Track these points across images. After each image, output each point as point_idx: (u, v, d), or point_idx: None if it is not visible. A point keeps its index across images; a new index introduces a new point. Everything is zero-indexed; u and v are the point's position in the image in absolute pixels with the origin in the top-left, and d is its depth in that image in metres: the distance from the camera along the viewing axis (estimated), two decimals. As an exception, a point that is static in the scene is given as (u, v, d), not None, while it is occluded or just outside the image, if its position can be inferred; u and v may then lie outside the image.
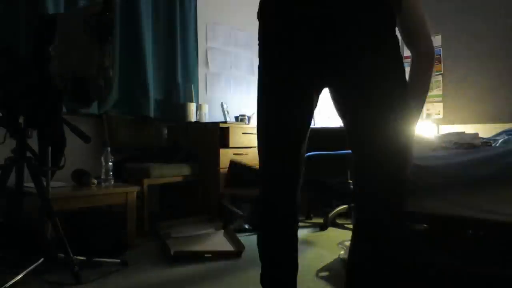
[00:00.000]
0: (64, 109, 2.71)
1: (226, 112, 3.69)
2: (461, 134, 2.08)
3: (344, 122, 1.15)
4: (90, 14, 1.78)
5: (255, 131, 3.32)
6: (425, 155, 1.77)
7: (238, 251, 2.26)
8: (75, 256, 1.85)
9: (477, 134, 2.06)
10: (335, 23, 1.05)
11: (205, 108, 3.50)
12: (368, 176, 1.09)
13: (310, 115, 1.19)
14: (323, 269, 2.02)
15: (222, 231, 2.58)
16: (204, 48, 3.91)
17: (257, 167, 3.25)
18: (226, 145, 3.15)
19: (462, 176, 1.55)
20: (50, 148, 1.97)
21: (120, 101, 3.16)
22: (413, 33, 1.26)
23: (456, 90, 3.03)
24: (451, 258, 1.43)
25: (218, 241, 2.42)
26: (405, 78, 1.10)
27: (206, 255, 2.20)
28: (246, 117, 3.52)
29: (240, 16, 4.26)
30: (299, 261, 1.26)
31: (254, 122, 3.57)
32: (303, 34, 1.08)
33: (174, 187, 3.24)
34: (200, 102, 3.67)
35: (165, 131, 3.49)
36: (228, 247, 2.34)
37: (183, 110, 3.40)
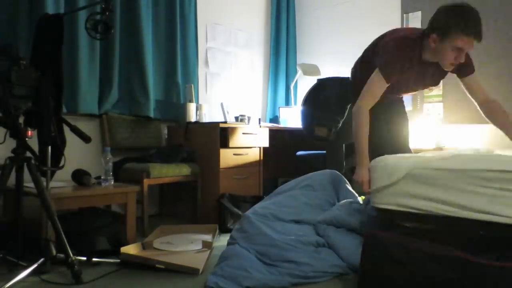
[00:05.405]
0: (64, 109, 2.71)
1: (226, 112, 3.68)
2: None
3: None
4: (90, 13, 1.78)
5: (255, 131, 3.35)
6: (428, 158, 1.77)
7: (195, 268, 1.99)
8: (75, 256, 1.86)
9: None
10: None
11: (205, 108, 3.50)
12: None
13: None
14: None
15: (209, 251, 2.28)
16: (204, 48, 3.91)
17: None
18: (226, 145, 3.15)
19: (461, 176, 1.55)
20: (50, 148, 1.97)
21: (120, 101, 3.16)
22: None
23: (456, 90, 3.02)
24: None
25: (188, 257, 2.15)
26: None
27: (157, 266, 2.00)
28: (246, 117, 3.51)
29: (240, 16, 4.26)
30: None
31: (254, 122, 3.57)
32: None
33: (174, 187, 3.25)
34: (200, 102, 3.67)
35: (165, 131, 3.49)
36: (190, 263, 2.04)
37: (183, 110, 3.40)
